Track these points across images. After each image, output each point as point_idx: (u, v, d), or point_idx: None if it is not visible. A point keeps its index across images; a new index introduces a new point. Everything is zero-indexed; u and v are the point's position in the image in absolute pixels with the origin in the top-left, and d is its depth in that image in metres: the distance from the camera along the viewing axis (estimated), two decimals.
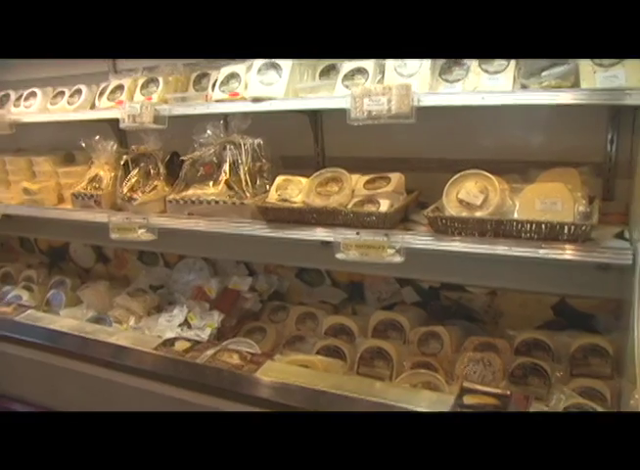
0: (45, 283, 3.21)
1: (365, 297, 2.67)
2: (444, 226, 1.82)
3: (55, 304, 2.86)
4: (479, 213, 1.79)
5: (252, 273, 2.83)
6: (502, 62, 1.85)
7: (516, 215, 1.76)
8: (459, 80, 1.93)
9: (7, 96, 3.05)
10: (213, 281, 2.70)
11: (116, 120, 2.49)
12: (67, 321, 2.11)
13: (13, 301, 2.82)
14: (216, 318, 2.44)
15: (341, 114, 1.92)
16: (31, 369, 2.14)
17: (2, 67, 3.38)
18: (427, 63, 1.94)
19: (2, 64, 3.34)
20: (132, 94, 2.55)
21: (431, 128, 2.11)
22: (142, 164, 2.50)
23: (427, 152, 2.30)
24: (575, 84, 1.70)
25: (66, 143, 3.11)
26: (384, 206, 1.97)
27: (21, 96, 2.98)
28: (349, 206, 2.01)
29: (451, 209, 1.84)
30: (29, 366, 2.13)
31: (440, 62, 1.97)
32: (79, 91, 2.78)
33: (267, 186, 2.23)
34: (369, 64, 2.06)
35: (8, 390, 2.22)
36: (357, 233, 1.92)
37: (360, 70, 2.08)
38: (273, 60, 2.18)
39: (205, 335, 2.31)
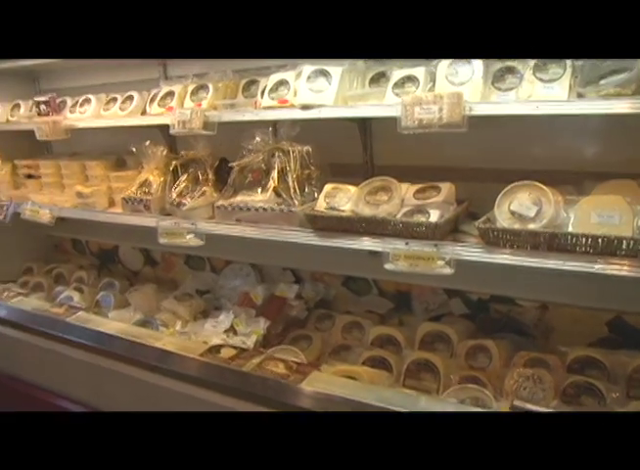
0: (95, 285, 3.27)
1: (412, 307, 2.63)
2: (496, 238, 1.78)
3: (104, 305, 2.90)
4: (532, 226, 1.74)
5: (299, 280, 2.82)
6: (558, 70, 1.79)
7: (570, 229, 1.70)
8: (512, 89, 1.89)
9: (64, 102, 3.11)
10: (260, 288, 2.70)
11: (166, 126, 2.52)
12: (115, 324, 2.13)
13: (65, 301, 2.88)
14: (262, 325, 2.44)
15: (390, 122, 1.89)
16: (79, 369, 2.17)
17: (60, 74, 3.48)
18: (479, 71, 1.90)
19: (60, 71, 3.45)
20: (182, 100, 2.57)
21: (482, 137, 2.06)
22: (191, 170, 2.52)
23: (478, 161, 2.25)
24: (636, 92, 1.63)
25: (117, 148, 3.17)
26: (434, 216, 1.94)
27: (76, 102, 3.04)
28: (399, 215, 1.99)
29: (503, 220, 1.79)
30: (77, 366, 2.16)
31: (493, 69, 1.93)
32: (131, 97, 2.81)
33: (315, 194, 2.22)
34: (420, 71, 2.03)
35: (56, 387, 2.26)
36: (406, 243, 1.89)
37: (411, 78, 2.05)
38: (323, 67, 2.17)
39: (250, 342, 2.31)
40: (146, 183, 2.60)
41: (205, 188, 2.42)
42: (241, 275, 2.89)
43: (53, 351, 2.19)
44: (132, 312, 2.74)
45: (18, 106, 3.31)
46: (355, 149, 2.49)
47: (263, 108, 2.28)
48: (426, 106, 1.84)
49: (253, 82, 2.53)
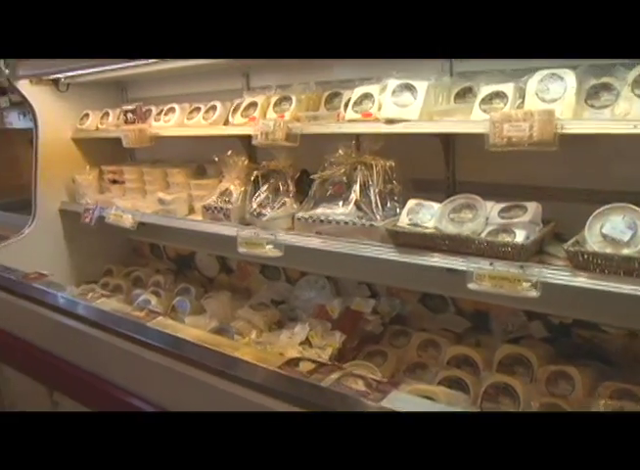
0: (171, 289, 3.33)
1: (490, 327, 2.56)
2: (585, 262, 1.71)
3: (180, 310, 2.96)
4: (625, 251, 1.66)
5: (374, 295, 2.80)
6: None
7: None
8: (607, 106, 1.82)
9: (149, 111, 3.20)
10: (336, 301, 2.69)
11: (248, 136, 2.55)
12: (193, 331, 2.15)
13: (142, 304, 2.96)
14: (338, 339, 2.43)
15: (475, 138, 1.86)
16: (155, 372, 2.21)
17: (146, 84, 3.59)
18: (572, 87, 1.85)
19: (146, 81, 3.56)
20: (265, 111, 2.60)
21: (573, 156, 1.98)
22: (271, 181, 2.54)
23: (567, 181, 2.17)
24: None
25: (197, 156, 3.24)
26: (519, 236, 1.88)
27: (161, 111, 3.13)
28: (483, 234, 1.94)
29: (594, 243, 1.72)
30: (153, 369, 2.20)
31: (587, 86, 1.87)
32: (214, 107, 2.86)
33: (397, 209, 2.20)
34: (509, 87, 1.98)
35: (130, 386, 2.31)
36: (491, 264, 1.84)
37: (499, 94, 2.01)
38: (408, 81, 2.16)
39: (325, 355, 2.31)
40: (226, 192, 2.63)
41: (285, 199, 2.44)
42: (316, 287, 2.89)
43: (131, 352, 2.23)
44: (208, 319, 2.78)
45: (107, 114, 3.43)
46: (436, 164, 2.44)
47: (347, 121, 2.27)
48: (515, 123, 1.80)
49: (336, 95, 2.53)
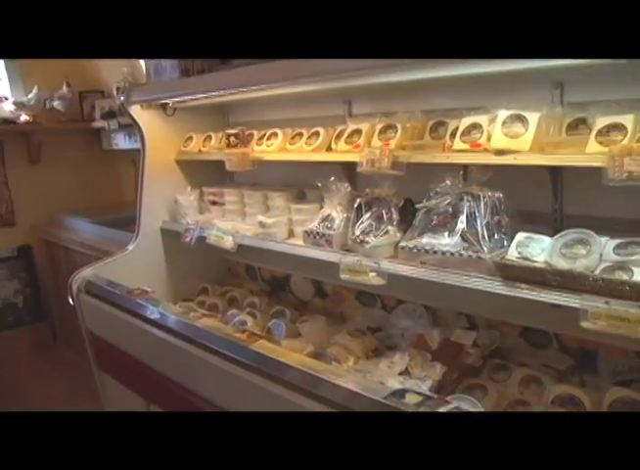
0: (266, 311, 3.38)
1: (597, 367, 2.45)
2: None
3: (276, 333, 2.99)
4: None
5: (472, 326, 2.74)
6: None
7: None
8: None
9: (251, 135, 3.28)
10: (435, 331, 2.66)
11: (350, 163, 2.57)
12: (295, 356, 2.17)
13: (239, 325, 3.01)
14: (438, 371, 2.39)
15: (586, 171, 1.82)
16: (260, 396, 2.22)
17: (247, 108, 3.70)
18: None
19: (247, 106, 3.67)
20: (370, 139, 2.61)
21: None
22: (374, 208, 2.54)
23: None
24: None
25: (296, 180, 3.29)
26: (638, 274, 1.81)
27: (263, 135, 3.20)
28: (597, 271, 1.88)
29: None
30: (257, 393, 2.22)
31: None
32: (317, 133, 2.90)
33: (505, 241, 2.16)
34: (628, 119, 1.92)
35: (230, 407, 2.33)
36: (607, 302, 1.78)
37: (617, 126, 1.95)
38: (519, 112, 2.13)
39: (425, 386, 2.27)
40: (328, 218, 2.66)
41: (388, 227, 2.44)
42: (413, 316, 2.86)
43: (234, 374, 2.27)
44: (304, 343, 2.79)
45: (209, 137, 3.54)
46: (543, 196, 2.39)
47: (455, 151, 2.26)
48: (637, 157, 1.74)
49: (441, 124, 2.52)
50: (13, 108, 5.58)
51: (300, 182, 3.25)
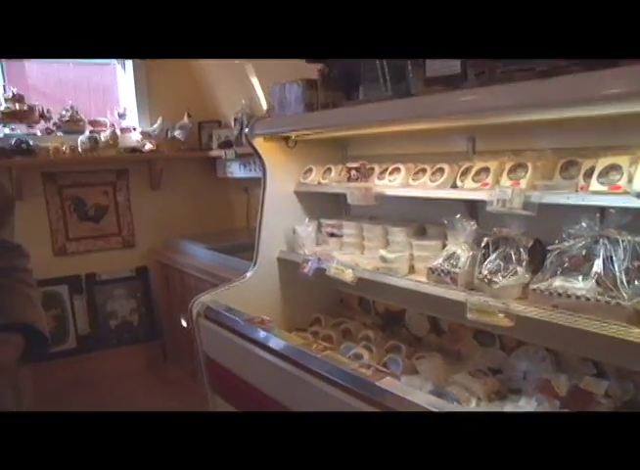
0: (381, 345, 3.36)
1: None
2: None
3: (392, 369, 2.97)
4: None
5: (600, 373, 2.62)
6: None
7: None
8: None
9: (371, 169, 3.32)
10: (563, 377, 2.55)
11: (473, 201, 2.54)
12: (424, 396, 2.15)
13: (354, 359, 3.02)
14: None
15: None
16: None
17: (366, 142, 3.74)
18: None
19: (366, 140, 3.71)
20: (498, 177, 2.58)
21: None
22: (502, 248, 2.51)
23: None
24: None
25: (416, 216, 3.29)
26: None
27: (385, 170, 3.22)
28: None
29: None
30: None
31: None
32: (441, 169, 2.90)
33: None
34: None
35: None
36: None
37: None
38: None
39: None
40: (454, 256, 2.64)
41: (517, 268, 2.39)
42: (535, 359, 2.76)
43: (358, 408, 2.27)
44: (423, 381, 2.76)
45: (329, 170, 3.61)
46: None
47: (590, 192, 2.21)
48: None
49: (573, 163, 2.45)
50: (140, 137, 5.92)
51: (420, 218, 3.25)
